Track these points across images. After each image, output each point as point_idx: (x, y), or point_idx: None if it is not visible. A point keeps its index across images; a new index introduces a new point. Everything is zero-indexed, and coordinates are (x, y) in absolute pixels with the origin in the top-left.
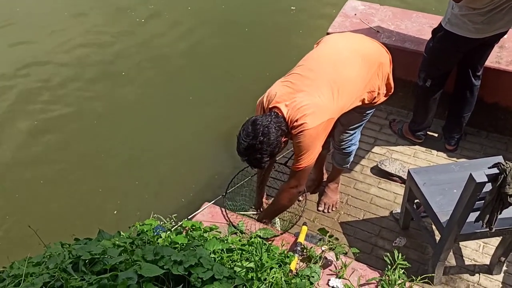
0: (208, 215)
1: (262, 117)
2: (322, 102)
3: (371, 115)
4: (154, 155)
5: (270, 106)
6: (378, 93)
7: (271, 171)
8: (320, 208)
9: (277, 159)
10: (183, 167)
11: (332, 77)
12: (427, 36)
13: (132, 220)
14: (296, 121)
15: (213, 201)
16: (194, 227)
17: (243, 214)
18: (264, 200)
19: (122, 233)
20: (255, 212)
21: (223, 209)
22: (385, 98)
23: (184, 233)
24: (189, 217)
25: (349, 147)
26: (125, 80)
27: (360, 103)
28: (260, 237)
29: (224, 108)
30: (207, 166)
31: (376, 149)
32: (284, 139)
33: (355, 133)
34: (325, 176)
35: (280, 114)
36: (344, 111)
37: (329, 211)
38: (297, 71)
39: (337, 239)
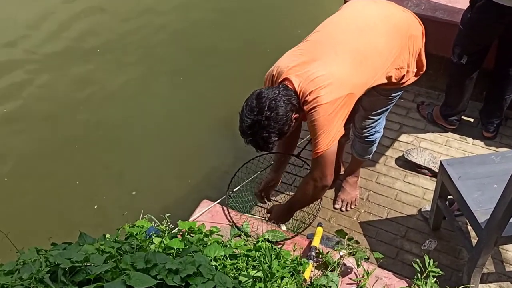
0: (207, 214)
1: (269, 90)
2: (341, 73)
3: (398, 98)
4: (142, 144)
5: (279, 79)
6: (408, 71)
7: (288, 158)
8: (337, 206)
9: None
10: (177, 158)
11: (356, 45)
12: (462, 4)
13: (118, 220)
14: (309, 94)
15: (218, 201)
16: (192, 230)
17: (250, 216)
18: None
19: (107, 236)
20: (263, 217)
21: (224, 208)
22: (415, 78)
23: (179, 237)
24: (188, 218)
25: (372, 135)
26: (103, 60)
27: (385, 81)
28: (268, 240)
29: (221, 90)
30: (204, 157)
31: (402, 136)
32: (295, 116)
33: (379, 119)
34: (343, 169)
35: (290, 86)
36: (367, 88)
37: (348, 209)
38: (313, 37)
39: (357, 242)
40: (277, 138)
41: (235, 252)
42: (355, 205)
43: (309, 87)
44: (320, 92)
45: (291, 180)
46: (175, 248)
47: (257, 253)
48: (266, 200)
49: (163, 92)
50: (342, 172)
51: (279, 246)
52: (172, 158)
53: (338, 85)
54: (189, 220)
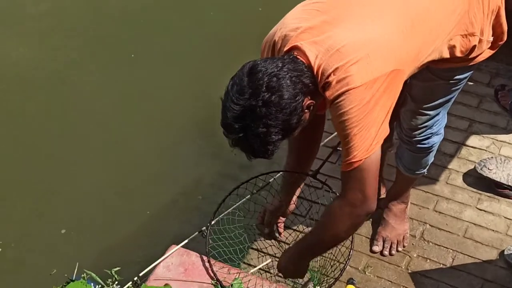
0: (178, 268)
1: (267, 61)
2: (381, 40)
3: (465, 83)
4: (75, 156)
5: (285, 48)
6: (480, 41)
7: (303, 180)
8: (377, 249)
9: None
10: (128, 178)
11: (401, 3)
12: None
13: (41, 279)
14: (333, 72)
15: (186, 243)
16: None
17: (244, 269)
18: (280, 229)
19: None
20: (266, 270)
21: (204, 258)
22: (491, 52)
23: None
24: (148, 276)
25: (427, 138)
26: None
27: (447, 55)
28: None
29: (193, 71)
30: (171, 175)
31: (472, 140)
32: (309, 102)
33: (437, 114)
34: (384, 191)
35: (301, 59)
36: (419, 65)
37: (393, 252)
38: None
39: None
40: (280, 136)
41: None
42: (404, 247)
43: (332, 61)
44: (350, 69)
45: (306, 208)
46: None
47: None
48: (275, 234)
49: (104, 78)
50: (383, 195)
51: None
52: (120, 177)
53: (377, 58)
54: (150, 277)
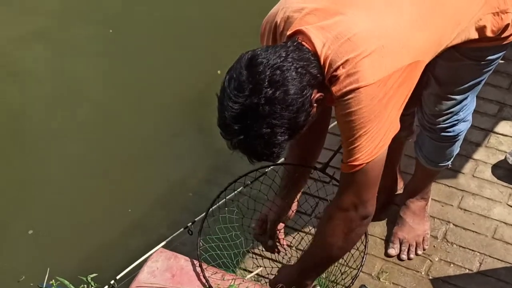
0: (165, 274)
1: (269, 51)
2: (398, 28)
3: (497, 64)
4: (47, 146)
5: (287, 32)
6: None
7: (308, 174)
8: (393, 252)
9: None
10: (107, 171)
11: None
12: None
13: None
14: (343, 65)
15: (167, 240)
16: None
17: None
18: (281, 237)
19: None
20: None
21: (195, 262)
22: None
23: None
24: (119, 276)
25: (452, 125)
26: None
27: (476, 35)
28: None
29: (185, 51)
30: (157, 168)
31: (503, 126)
32: (318, 96)
33: (465, 99)
34: (401, 185)
35: (306, 45)
36: (442, 50)
37: (411, 256)
38: None
39: None
40: (287, 136)
41: None
42: (424, 250)
43: (342, 51)
44: (362, 63)
45: (311, 206)
46: None
47: None
48: (276, 245)
49: (80, 57)
50: (399, 190)
51: None
52: (98, 172)
53: (393, 50)
54: (132, 285)
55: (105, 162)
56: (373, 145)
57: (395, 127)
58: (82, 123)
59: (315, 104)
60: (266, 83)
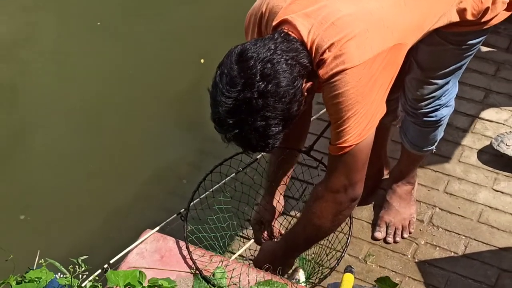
0: (154, 255)
1: (257, 44)
2: (381, 10)
3: (478, 48)
4: (35, 131)
5: (273, 23)
6: (494, 2)
7: (295, 158)
8: (379, 235)
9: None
10: (94, 156)
11: None
12: None
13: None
14: (329, 48)
15: (160, 225)
16: (130, 286)
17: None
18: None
19: None
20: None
21: (181, 243)
22: (508, 13)
23: None
24: (119, 263)
25: (435, 110)
26: None
27: (457, 18)
28: None
29: (173, 38)
30: (145, 152)
31: (488, 112)
32: (308, 85)
33: (446, 83)
34: (387, 171)
35: (293, 35)
36: (425, 33)
37: (397, 239)
38: None
39: None
40: (281, 128)
41: None
42: (410, 233)
43: (327, 35)
44: (347, 45)
45: (299, 189)
46: None
47: None
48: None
49: (69, 47)
50: (386, 175)
51: None
52: (88, 157)
53: (377, 32)
54: (122, 266)
55: (96, 149)
56: (361, 127)
57: (382, 109)
58: (75, 111)
59: (306, 93)
60: (258, 77)
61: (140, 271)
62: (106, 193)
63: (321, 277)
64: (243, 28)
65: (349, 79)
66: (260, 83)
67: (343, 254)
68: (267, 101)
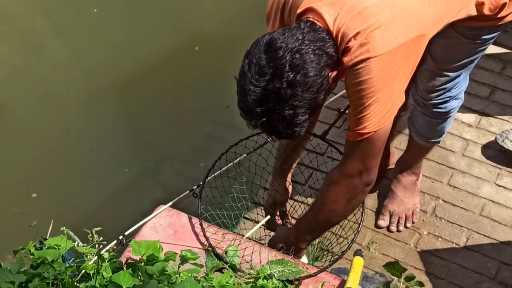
0: (167, 230)
1: (285, 34)
2: (404, 1)
3: (490, 44)
4: (43, 109)
5: (297, 11)
6: None
7: (306, 142)
8: (383, 223)
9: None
10: (106, 132)
11: None
12: None
13: (13, 237)
14: (354, 37)
15: (173, 201)
16: (152, 257)
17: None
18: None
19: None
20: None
21: (194, 220)
22: None
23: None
24: (133, 236)
25: (445, 102)
26: None
27: (474, 12)
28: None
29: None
30: (158, 130)
31: (493, 108)
32: (334, 74)
33: (458, 76)
34: (393, 160)
35: (318, 23)
36: (444, 25)
37: (400, 228)
38: None
39: (421, 284)
40: (307, 116)
41: None
42: (413, 223)
43: (353, 24)
44: (372, 34)
45: (305, 175)
46: (124, 287)
47: None
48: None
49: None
50: (391, 165)
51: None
52: (96, 131)
53: (402, 22)
54: (135, 239)
55: (113, 124)
56: (381, 115)
57: (402, 98)
58: (96, 86)
59: (331, 82)
60: (287, 67)
61: (155, 242)
62: (122, 169)
63: (332, 259)
64: (237, 17)
65: (373, 67)
66: (289, 73)
67: (355, 236)
68: (296, 91)
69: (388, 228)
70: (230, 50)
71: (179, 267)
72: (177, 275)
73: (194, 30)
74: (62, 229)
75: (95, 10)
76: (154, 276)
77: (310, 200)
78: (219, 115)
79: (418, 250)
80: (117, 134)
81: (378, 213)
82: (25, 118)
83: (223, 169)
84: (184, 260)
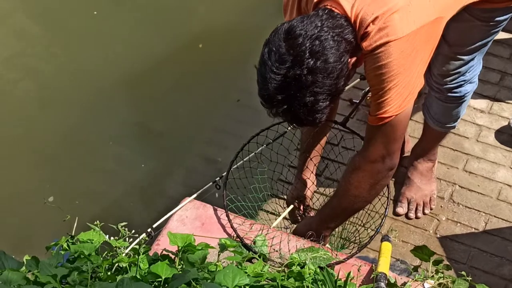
0: (195, 222)
1: (304, 22)
2: None
3: (504, 26)
4: (59, 106)
5: (315, 0)
6: None
7: (328, 130)
8: (401, 211)
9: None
10: (126, 126)
11: None
12: None
13: (46, 235)
14: (373, 21)
15: (197, 193)
16: (188, 248)
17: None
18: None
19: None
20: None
21: (219, 211)
22: None
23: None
24: (155, 225)
25: (459, 86)
26: None
27: None
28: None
29: None
30: (181, 121)
31: (504, 94)
32: (353, 60)
33: (472, 59)
34: (409, 147)
35: (336, 10)
36: (461, 8)
37: (419, 215)
38: None
39: (449, 267)
40: (328, 102)
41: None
42: (431, 209)
43: (371, 9)
44: (391, 18)
45: (321, 167)
46: (162, 277)
47: (299, 283)
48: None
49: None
50: (406, 153)
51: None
52: (109, 131)
53: (420, 5)
54: (163, 232)
55: (123, 122)
56: (401, 98)
57: (421, 81)
58: (106, 87)
59: (350, 68)
60: (307, 54)
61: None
62: (144, 163)
63: (361, 245)
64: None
65: (392, 51)
66: (310, 60)
67: (383, 221)
68: (316, 77)
69: (406, 215)
70: (236, 45)
71: (219, 255)
72: (217, 263)
73: (196, 27)
74: (96, 223)
75: (95, 13)
76: (196, 264)
77: (328, 191)
78: (231, 109)
79: (438, 236)
80: (128, 133)
81: (396, 200)
82: (40, 118)
83: (245, 159)
84: (223, 247)
